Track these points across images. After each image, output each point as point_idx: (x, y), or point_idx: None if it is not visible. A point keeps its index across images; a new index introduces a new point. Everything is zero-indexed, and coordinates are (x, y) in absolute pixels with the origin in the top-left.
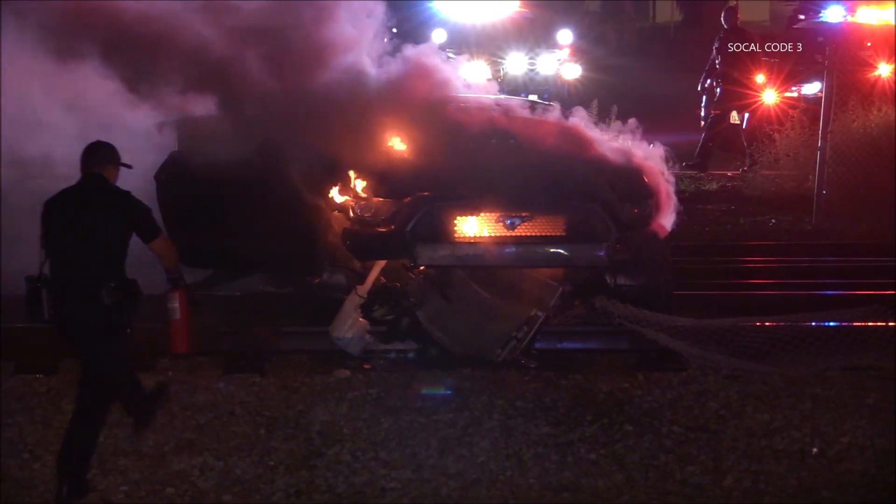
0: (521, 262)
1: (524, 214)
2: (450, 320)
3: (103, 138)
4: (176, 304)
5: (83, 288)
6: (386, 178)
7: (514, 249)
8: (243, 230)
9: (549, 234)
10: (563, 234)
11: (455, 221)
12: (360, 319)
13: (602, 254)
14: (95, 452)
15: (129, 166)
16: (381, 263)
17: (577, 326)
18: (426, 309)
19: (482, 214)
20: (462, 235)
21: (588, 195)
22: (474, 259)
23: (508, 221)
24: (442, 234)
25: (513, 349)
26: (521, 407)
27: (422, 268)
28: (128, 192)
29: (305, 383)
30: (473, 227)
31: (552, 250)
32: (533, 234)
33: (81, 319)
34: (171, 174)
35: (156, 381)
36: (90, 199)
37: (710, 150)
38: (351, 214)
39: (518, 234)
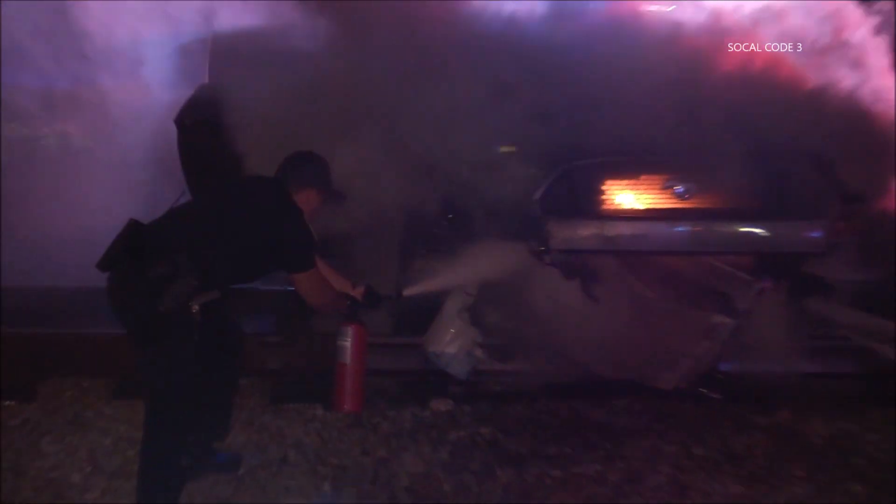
0: (699, 246)
1: (702, 177)
2: (597, 330)
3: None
4: (348, 341)
5: None
6: (500, 125)
7: (687, 228)
8: None
9: (738, 205)
10: (760, 205)
11: (603, 188)
12: (468, 328)
13: (818, 235)
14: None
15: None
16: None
17: (781, 341)
18: (563, 314)
19: (642, 177)
20: (613, 207)
21: (796, 151)
22: (630, 242)
23: (679, 188)
24: (584, 205)
25: (688, 373)
26: (701, 456)
27: (556, 253)
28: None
29: (388, 418)
30: (629, 195)
31: (744, 230)
32: (715, 206)
33: None
34: (197, 116)
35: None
36: None
37: None
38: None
39: (693, 205)
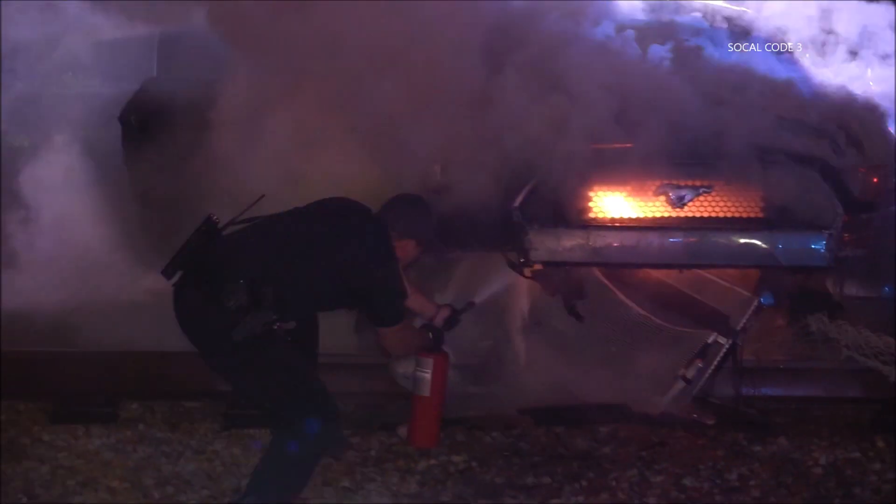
0: (695, 258)
1: (701, 183)
2: (579, 349)
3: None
4: (428, 373)
5: None
6: (472, 126)
7: (683, 239)
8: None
9: (739, 214)
10: (762, 214)
11: (590, 194)
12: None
13: (822, 247)
14: None
15: None
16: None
17: (781, 362)
18: (544, 332)
19: (634, 183)
20: (601, 216)
21: (800, 156)
22: (620, 253)
23: (676, 194)
24: (569, 213)
25: (680, 396)
26: (691, 487)
27: (536, 266)
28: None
29: (353, 445)
30: (619, 202)
31: (744, 241)
32: (714, 214)
33: None
34: (143, 113)
35: None
36: None
37: None
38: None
39: (690, 213)
